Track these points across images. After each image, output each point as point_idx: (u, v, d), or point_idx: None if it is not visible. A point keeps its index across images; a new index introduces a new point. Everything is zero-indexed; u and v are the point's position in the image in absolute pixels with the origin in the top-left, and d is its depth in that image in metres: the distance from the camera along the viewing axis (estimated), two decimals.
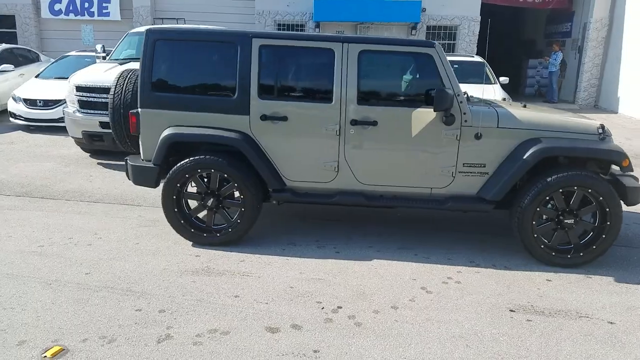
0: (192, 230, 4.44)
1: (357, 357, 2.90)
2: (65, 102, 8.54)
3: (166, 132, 4.31)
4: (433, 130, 4.22)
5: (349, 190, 4.40)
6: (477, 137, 4.23)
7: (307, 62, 4.39)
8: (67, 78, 8.09)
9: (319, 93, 4.33)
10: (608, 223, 4.11)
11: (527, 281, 3.95)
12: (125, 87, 4.82)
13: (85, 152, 7.91)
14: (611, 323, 3.36)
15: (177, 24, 14.68)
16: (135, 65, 7.54)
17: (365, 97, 4.26)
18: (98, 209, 5.41)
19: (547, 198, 4.13)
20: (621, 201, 4.13)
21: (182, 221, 4.43)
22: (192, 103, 4.35)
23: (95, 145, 7.22)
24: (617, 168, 4.31)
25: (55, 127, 9.33)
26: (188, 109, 4.35)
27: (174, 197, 4.38)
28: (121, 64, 7.65)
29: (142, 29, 8.79)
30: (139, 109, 4.40)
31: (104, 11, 15.33)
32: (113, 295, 3.54)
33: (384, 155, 4.32)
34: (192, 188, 4.48)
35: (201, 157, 4.28)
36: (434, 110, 4.12)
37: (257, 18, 15.08)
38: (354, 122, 4.24)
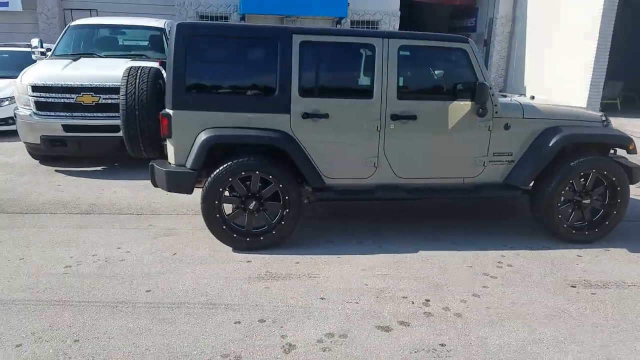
0: (235, 235, 4.22)
1: (482, 345, 3.01)
2: None
3: (205, 135, 4.04)
4: (468, 122, 4.43)
5: (386, 185, 4.47)
6: (506, 127, 4.52)
7: (348, 58, 4.37)
8: None
9: (360, 89, 4.34)
10: (619, 200, 4.63)
11: (563, 259, 4.33)
12: (139, 86, 4.41)
13: (35, 159, 7.06)
14: None
15: (90, 15, 13.49)
16: (89, 61, 6.91)
17: (405, 92, 4.34)
18: (99, 220, 4.90)
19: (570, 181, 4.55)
20: None
21: (224, 227, 4.19)
22: (229, 103, 4.13)
23: (56, 151, 6.48)
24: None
25: None
26: (225, 109, 4.12)
27: (216, 202, 4.12)
28: (75, 59, 6.92)
29: (86, 20, 8.04)
30: (171, 111, 4.07)
31: (1, 1, 13.57)
32: (197, 311, 3.27)
33: (421, 149, 4.44)
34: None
35: (244, 159, 4.08)
36: (476, 103, 4.33)
37: (178, 9, 14.35)
38: (394, 117, 4.31)
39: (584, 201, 4.62)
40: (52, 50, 7.53)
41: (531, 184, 4.68)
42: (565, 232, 4.63)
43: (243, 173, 4.10)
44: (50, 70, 6.41)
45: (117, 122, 6.22)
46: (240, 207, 4.22)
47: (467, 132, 4.46)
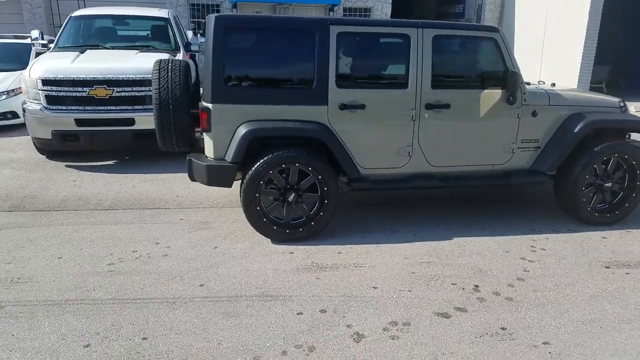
0: (275, 227, 4.25)
1: (540, 327, 3.12)
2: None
3: (246, 128, 4.04)
4: (498, 110, 4.53)
5: (420, 174, 4.55)
6: (534, 114, 4.63)
7: (383, 48, 4.40)
8: None
9: (396, 79, 4.37)
10: (638, 183, 4.80)
11: (590, 241, 4.49)
12: (172, 79, 4.37)
13: (42, 154, 6.92)
14: None
15: (79, 6, 13.13)
16: (96, 53, 6.77)
17: (439, 81, 4.40)
18: (126, 216, 4.86)
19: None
20: None
21: (265, 219, 4.21)
22: (268, 95, 4.13)
23: (68, 146, 6.36)
24: None
25: None
26: (263, 102, 4.12)
27: (257, 195, 4.14)
28: (82, 52, 6.77)
29: (87, 11, 7.86)
30: (211, 105, 4.05)
31: None
32: (257, 303, 3.30)
33: (454, 137, 4.52)
34: None
35: (284, 151, 4.09)
36: (508, 92, 4.42)
37: None
38: (429, 106, 4.37)
39: (605, 185, 4.78)
40: (54, 42, 7.34)
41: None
42: (589, 215, 4.79)
43: (283, 165, 4.12)
44: (59, 64, 6.25)
45: (131, 115, 6.20)
46: (279, 199, 4.24)
47: (497, 119, 4.55)
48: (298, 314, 3.20)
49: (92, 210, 5.02)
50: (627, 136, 5.07)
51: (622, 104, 5.00)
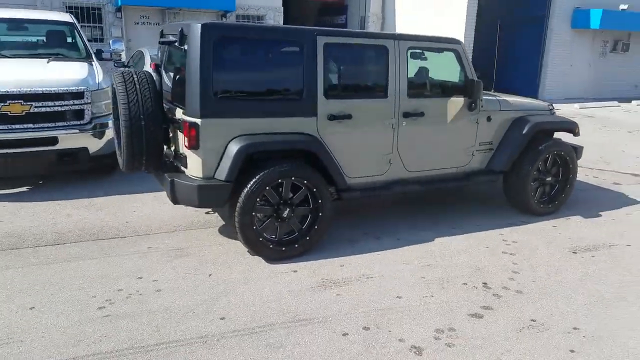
0: (271, 246, 4.04)
1: (561, 314, 3.40)
2: None
3: (239, 143, 3.79)
4: (461, 116, 4.84)
5: (398, 180, 4.68)
6: (489, 119, 5.03)
7: (365, 59, 4.43)
8: None
9: (377, 89, 4.44)
10: (571, 175, 5.47)
11: (545, 230, 5.00)
12: (141, 92, 3.93)
13: None
14: (629, 245, 4.66)
15: None
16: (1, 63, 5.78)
17: (413, 91, 4.56)
18: (82, 251, 4.23)
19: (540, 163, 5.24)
20: None
21: (261, 239, 3.99)
22: (259, 108, 3.93)
23: None
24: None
25: None
26: (254, 115, 3.91)
27: (253, 213, 3.90)
28: None
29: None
30: (199, 120, 3.72)
31: None
32: (295, 329, 3.11)
33: (426, 143, 4.73)
34: None
35: (280, 166, 3.92)
36: (470, 99, 4.73)
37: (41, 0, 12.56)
38: (406, 115, 4.52)
39: (547, 179, 5.36)
40: None
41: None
42: (536, 207, 5.33)
43: (279, 180, 3.93)
44: None
45: (54, 133, 5.45)
46: (273, 215, 4.04)
47: (460, 125, 4.86)
48: (344, 334, 3.09)
49: (34, 248, 4.28)
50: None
51: (551, 107, 5.65)
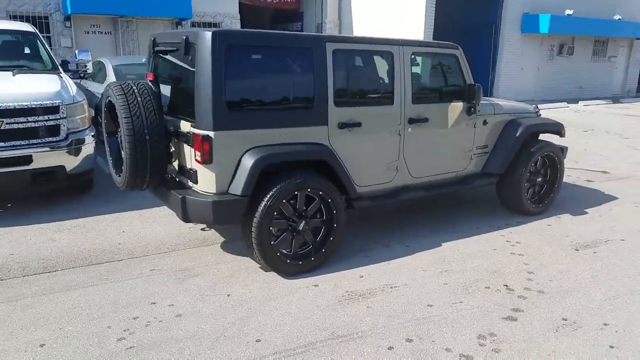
0: (288, 261, 3.89)
1: (590, 311, 3.46)
2: None
3: (254, 155, 3.62)
4: (461, 120, 4.88)
5: (404, 186, 4.64)
6: (485, 123, 5.11)
7: (373, 65, 4.37)
8: None
9: (384, 95, 4.39)
10: (558, 175, 5.65)
11: (542, 229, 5.12)
12: (144, 104, 3.69)
13: None
14: (623, 240, 4.84)
15: None
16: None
17: (417, 97, 4.55)
18: (78, 278, 3.91)
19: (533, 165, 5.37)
20: None
21: (278, 254, 3.83)
22: (271, 118, 3.78)
23: None
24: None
25: None
26: (268, 126, 3.76)
27: (270, 228, 3.74)
28: None
29: None
30: (212, 132, 3.52)
31: None
32: (338, 347, 2.98)
33: (430, 148, 4.73)
34: None
35: (296, 178, 3.79)
36: (469, 103, 4.78)
37: None
38: (411, 121, 4.50)
39: (538, 179, 5.51)
40: None
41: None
42: (529, 207, 5.46)
43: (296, 193, 3.79)
44: None
45: (27, 151, 5.07)
46: (288, 229, 3.90)
47: (460, 130, 4.90)
48: (389, 348, 2.99)
49: (24, 277, 3.91)
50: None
51: (537, 110, 5.82)
